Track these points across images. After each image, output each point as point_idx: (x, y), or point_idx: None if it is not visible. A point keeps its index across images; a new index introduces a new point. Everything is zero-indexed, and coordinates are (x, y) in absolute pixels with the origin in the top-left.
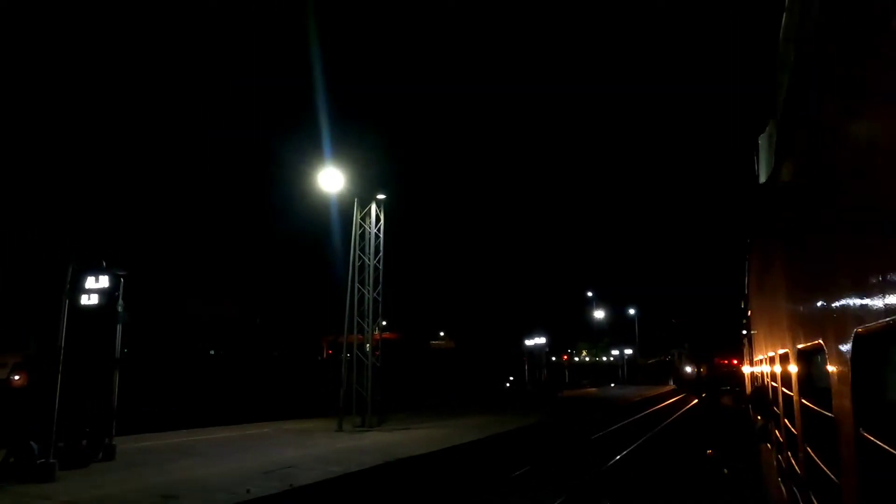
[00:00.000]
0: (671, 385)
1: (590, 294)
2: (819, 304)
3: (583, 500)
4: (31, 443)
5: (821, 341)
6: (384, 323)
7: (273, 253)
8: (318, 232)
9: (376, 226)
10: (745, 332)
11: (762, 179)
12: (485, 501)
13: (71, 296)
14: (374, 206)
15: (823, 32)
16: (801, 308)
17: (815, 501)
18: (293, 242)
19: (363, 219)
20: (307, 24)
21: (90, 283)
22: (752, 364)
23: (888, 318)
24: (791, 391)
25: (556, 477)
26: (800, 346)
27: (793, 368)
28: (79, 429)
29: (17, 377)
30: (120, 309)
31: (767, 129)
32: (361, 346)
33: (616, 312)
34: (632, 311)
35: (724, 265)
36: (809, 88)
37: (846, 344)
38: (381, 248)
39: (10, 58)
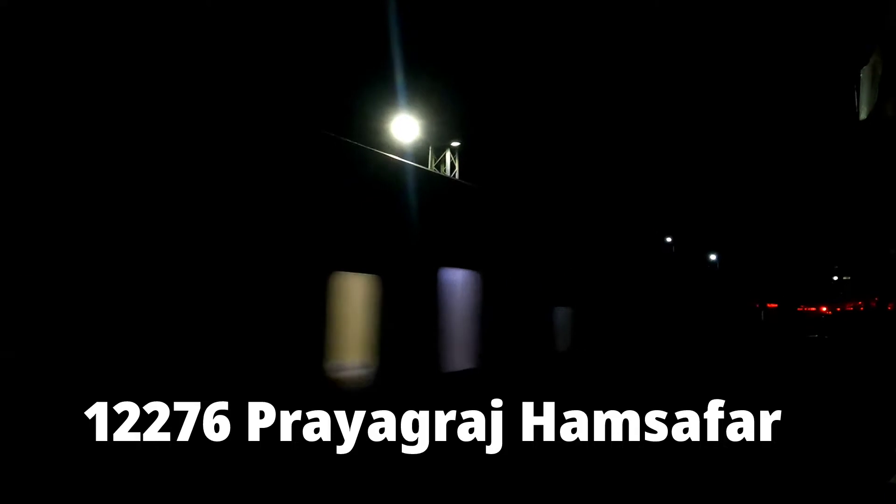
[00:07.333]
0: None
1: (668, 240)
2: None
3: None
4: None
5: None
6: None
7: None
8: None
9: (451, 174)
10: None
11: (863, 116)
12: None
13: None
14: (448, 154)
15: None
16: None
17: None
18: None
19: (437, 167)
20: None
21: None
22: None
23: None
24: None
25: None
26: None
27: None
28: None
29: None
30: None
31: (871, 59)
32: None
33: (697, 259)
34: (713, 257)
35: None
36: None
37: None
38: None
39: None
